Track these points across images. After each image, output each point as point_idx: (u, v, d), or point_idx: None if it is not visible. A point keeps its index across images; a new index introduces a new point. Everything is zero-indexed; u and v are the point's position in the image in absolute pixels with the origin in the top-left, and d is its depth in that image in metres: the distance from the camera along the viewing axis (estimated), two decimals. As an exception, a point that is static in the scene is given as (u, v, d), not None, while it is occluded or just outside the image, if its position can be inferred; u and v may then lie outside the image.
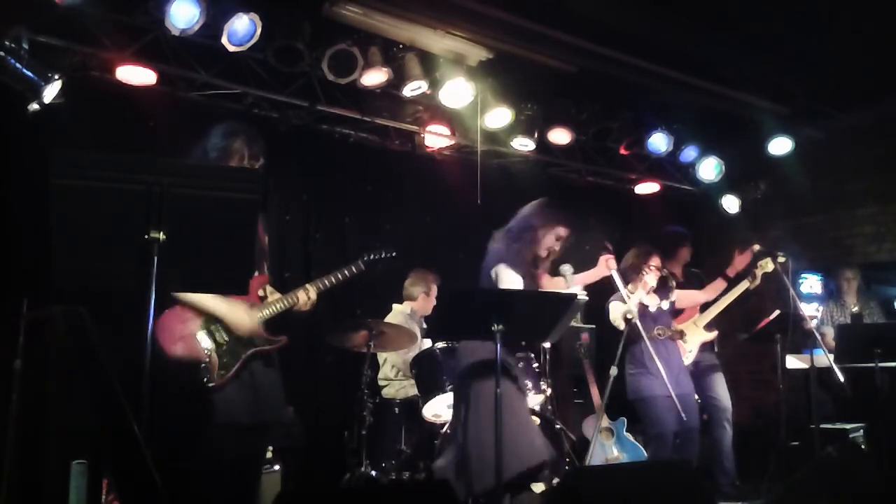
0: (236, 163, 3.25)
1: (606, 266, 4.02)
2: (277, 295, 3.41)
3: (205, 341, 3.17)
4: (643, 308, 4.90)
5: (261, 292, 3.37)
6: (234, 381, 3.16)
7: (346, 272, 3.64)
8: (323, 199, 6.01)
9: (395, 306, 5.51)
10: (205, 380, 3.12)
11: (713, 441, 5.40)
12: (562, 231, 3.90)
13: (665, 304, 5.04)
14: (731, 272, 5.28)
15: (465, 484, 3.60)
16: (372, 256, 3.81)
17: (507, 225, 3.95)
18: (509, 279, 3.73)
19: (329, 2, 4.89)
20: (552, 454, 3.74)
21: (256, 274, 3.33)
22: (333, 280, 3.58)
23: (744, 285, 5.33)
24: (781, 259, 5.14)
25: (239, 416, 3.14)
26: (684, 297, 5.28)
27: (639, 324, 4.52)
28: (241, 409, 3.15)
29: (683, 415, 4.75)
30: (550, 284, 3.90)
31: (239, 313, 3.21)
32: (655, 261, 4.92)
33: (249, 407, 3.17)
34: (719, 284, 5.30)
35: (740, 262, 5.29)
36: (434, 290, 5.51)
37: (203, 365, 3.13)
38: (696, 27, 5.35)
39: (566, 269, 3.87)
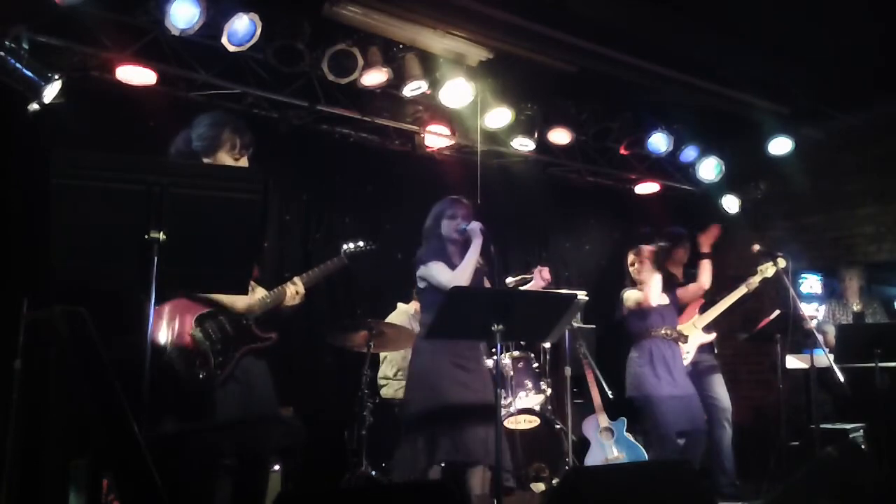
0: (225, 153, 3.22)
1: (540, 277, 4.10)
2: (263, 291, 3.37)
3: (197, 338, 3.15)
4: (650, 305, 4.94)
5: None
6: (226, 379, 3.16)
7: (329, 265, 3.63)
8: (323, 199, 6.01)
9: (400, 305, 5.51)
10: (198, 376, 3.11)
11: (713, 441, 5.40)
12: (453, 209, 4.07)
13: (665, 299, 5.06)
14: (705, 249, 5.39)
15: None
16: (352, 248, 3.78)
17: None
18: (437, 270, 3.90)
19: (329, 2, 4.89)
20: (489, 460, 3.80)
21: None
22: (316, 273, 3.55)
23: (741, 290, 5.34)
24: (782, 264, 5.14)
25: (234, 412, 3.13)
26: (687, 294, 5.30)
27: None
28: (235, 405, 3.15)
29: (689, 416, 4.80)
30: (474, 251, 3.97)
31: (236, 301, 3.20)
32: (644, 252, 5.01)
33: (242, 401, 3.17)
34: (705, 265, 5.35)
35: (707, 239, 5.42)
36: None
37: (196, 362, 3.12)
38: (696, 27, 5.35)
39: (474, 225, 3.97)
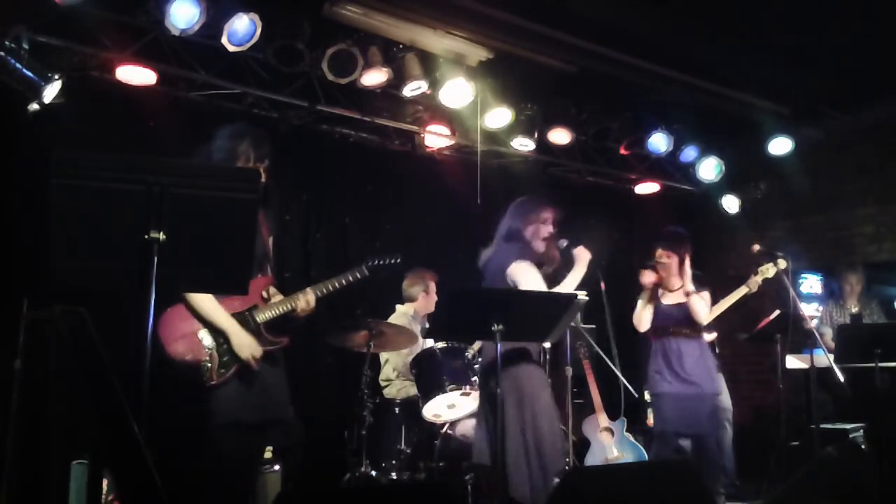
0: (241, 164, 3.25)
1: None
2: (280, 297, 3.42)
3: (206, 339, 3.19)
4: (660, 305, 4.96)
5: (264, 294, 3.39)
6: (236, 380, 3.18)
7: (349, 277, 3.65)
8: (323, 199, 6.02)
9: (399, 307, 5.52)
10: (204, 378, 3.14)
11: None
12: (546, 214, 3.87)
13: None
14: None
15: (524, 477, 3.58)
16: (376, 262, 3.80)
17: (499, 232, 3.93)
18: (534, 280, 3.67)
19: (329, 2, 4.89)
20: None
21: (260, 275, 3.35)
22: (336, 285, 3.58)
23: (742, 290, 5.33)
24: (783, 264, 5.14)
25: (243, 415, 3.15)
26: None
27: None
28: (246, 408, 3.17)
29: (693, 418, 4.78)
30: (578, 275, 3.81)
31: (243, 337, 3.23)
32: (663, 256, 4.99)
33: (254, 406, 3.19)
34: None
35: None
36: (433, 287, 5.52)
37: (203, 363, 3.15)
38: (696, 27, 5.35)
39: (562, 243, 3.86)
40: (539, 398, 3.65)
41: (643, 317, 4.94)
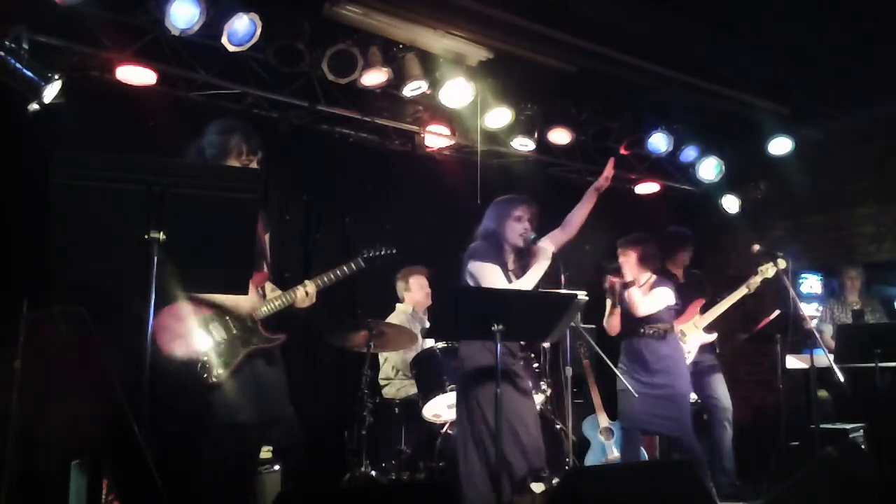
0: (234, 159, 3.24)
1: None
2: (278, 292, 3.41)
3: (202, 339, 3.17)
4: (624, 305, 4.95)
5: (260, 290, 3.37)
6: (234, 380, 3.16)
7: (345, 269, 3.62)
8: (323, 199, 6.02)
9: (398, 305, 5.53)
10: (204, 377, 3.12)
11: (713, 441, 5.40)
12: (517, 212, 3.88)
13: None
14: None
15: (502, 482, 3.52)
16: (372, 253, 3.79)
17: (477, 232, 3.98)
18: (484, 270, 3.72)
19: (329, 2, 4.89)
20: (542, 461, 3.76)
21: (255, 272, 3.33)
22: (332, 277, 3.55)
23: (742, 291, 5.34)
24: (783, 264, 5.14)
25: (242, 416, 3.14)
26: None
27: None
28: (245, 408, 3.15)
29: (661, 416, 4.76)
30: (540, 269, 3.86)
31: (238, 300, 3.20)
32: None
33: (253, 406, 3.17)
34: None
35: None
36: (416, 282, 5.52)
37: (201, 363, 3.13)
38: (696, 27, 5.36)
39: (530, 235, 3.86)
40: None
41: (611, 322, 4.98)
